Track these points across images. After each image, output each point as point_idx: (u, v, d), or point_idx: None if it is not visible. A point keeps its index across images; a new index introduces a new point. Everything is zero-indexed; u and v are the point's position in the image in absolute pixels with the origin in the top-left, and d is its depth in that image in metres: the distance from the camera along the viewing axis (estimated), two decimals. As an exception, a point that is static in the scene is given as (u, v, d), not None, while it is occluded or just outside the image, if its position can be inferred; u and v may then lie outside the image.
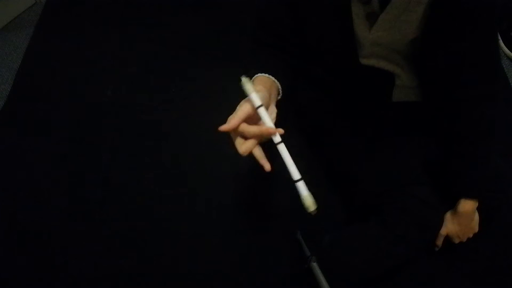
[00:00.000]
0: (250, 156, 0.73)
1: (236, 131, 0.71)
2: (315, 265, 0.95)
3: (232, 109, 0.95)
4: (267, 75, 0.85)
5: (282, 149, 0.75)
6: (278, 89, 0.85)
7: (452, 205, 0.99)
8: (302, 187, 0.75)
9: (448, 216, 1.00)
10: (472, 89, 0.92)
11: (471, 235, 1.02)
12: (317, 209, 0.75)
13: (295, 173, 0.75)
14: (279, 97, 0.86)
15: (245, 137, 0.73)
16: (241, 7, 1.64)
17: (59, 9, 1.72)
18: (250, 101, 0.72)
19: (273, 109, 0.79)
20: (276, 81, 0.84)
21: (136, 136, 1.32)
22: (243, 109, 0.71)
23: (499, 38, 1.62)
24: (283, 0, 0.91)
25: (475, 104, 0.93)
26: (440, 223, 1.00)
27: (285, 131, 0.78)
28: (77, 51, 1.55)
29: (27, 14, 1.74)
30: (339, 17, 0.88)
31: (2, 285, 1.06)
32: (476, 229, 1.02)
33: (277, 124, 0.78)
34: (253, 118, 0.73)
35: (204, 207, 1.17)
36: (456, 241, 1.02)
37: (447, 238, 1.03)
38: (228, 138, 0.74)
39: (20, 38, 1.64)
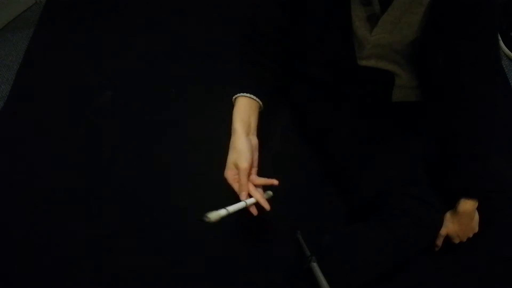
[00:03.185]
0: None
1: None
2: (315, 265, 0.95)
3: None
4: (248, 95, 0.95)
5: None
6: (260, 106, 0.98)
7: (452, 205, 0.99)
8: (222, 213, 0.88)
9: (448, 216, 1.00)
10: (472, 89, 0.92)
11: (471, 235, 1.02)
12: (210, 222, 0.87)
13: (232, 208, 0.89)
14: (261, 110, 0.99)
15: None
16: (242, 6, 1.64)
17: (59, 9, 1.72)
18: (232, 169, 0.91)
19: (255, 140, 0.95)
20: (257, 99, 0.96)
21: (136, 136, 1.32)
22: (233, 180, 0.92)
23: (499, 38, 1.63)
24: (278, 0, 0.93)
25: (475, 104, 0.93)
26: (440, 223, 1.00)
27: (284, 132, 0.81)
28: (77, 51, 1.55)
29: (27, 14, 1.74)
30: (338, 19, 0.88)
31: (1, 284, 1.06)
32: (476, 229, 1.02)
33: (274, 125, 0.82)
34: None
35: (204, 207, 1.17)
36: (456, 241, 1.02)
37: (447, 238, 1.03)
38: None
39: (20, 38, 1.64)
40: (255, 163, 0.93)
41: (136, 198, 1.19)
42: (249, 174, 0.89)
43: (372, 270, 0.98)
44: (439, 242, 1.03)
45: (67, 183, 1.22)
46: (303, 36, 0.98)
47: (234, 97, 0.97)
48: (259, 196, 0.88)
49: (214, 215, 0.86)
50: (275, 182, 0.91)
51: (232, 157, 0.91)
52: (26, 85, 1.47)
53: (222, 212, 0.86)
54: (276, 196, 1.18)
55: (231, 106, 0.98)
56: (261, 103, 0.98)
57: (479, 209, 0.98)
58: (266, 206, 0.88)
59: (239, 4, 1.66)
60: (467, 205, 0.95)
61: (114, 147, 1.29)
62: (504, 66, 1.57)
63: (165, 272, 1.08)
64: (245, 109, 0.95)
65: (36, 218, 1.16)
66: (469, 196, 0.95)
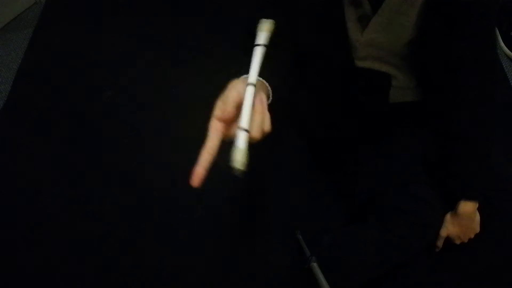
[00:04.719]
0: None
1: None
2: (315, 265, 0.95)
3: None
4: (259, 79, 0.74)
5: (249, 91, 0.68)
6: (268, 92, 0.78)
7: (452, 206, 0.99)
8: (242, 138, 0.65)
9: (448, 217, 0.99)
10: (471, 89, 0.92)
11: (472, 236, 1.02)
12: (243, 171, 0.64)
13: (244, 122, 0.66)
14: (269, 101, 0.78)
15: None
16: (242, 6, 1.64)
17: (59, 9, 1.72)
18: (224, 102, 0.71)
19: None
20: (266, 84, 0.78)
21: (136, 136, 1.32)
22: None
23: (499, 38, 1.62)
24: (272, 4, 0.91)
25: (474, 104, 0.93)
26: (439, 222, 1.00)
27: (283, 132, 0.80)
28: (77, 51, 1.55)
29: (27, 14, 1.74)
30: (331, 20, 0.88)
31: (1, 285, 1.06)
32: (477, 229, 1.01)
33: (274, 126, 0.72)
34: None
35: (204, 207, 1.17)
36: (458, 242, 1.02)
37: (448, 239, 1.02)
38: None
39: (20, 38, 1.64)
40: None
41: (136, 198, 1.19)
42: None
43: (372, 269, 0.98)
44: (440, 243, 1.02)
45: (67, 183, 1.22)
46: (298, 38, 0.98)
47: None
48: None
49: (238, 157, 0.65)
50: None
51: (231, 94, 0.72)
52: (26, 85, 1.47)
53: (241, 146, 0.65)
54: (276, 196, 1.19)
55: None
56: (270, 90, 0.78)
57: (479, 209, 0.98)
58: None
59: (239, 4, 1.66)
60: (468, 207, 0.95)
61: (115, 146, 1.29)
62: (504, 66, 1.57)
63: (165, 272, 1.08)
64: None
65: (36, 218, 1.16)
66: (469, 197, 0.95)
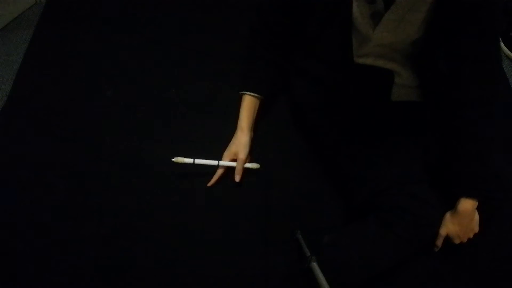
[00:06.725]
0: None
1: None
2: (315, 265, 0.95)
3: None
4: (253, 94, 1.15)
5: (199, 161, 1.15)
6: (262, 100, 1.19)
7: (452, 205, 0.99)
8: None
9: (447, 216, 1.00)
10: (473, 89, 0.92)
11: (471, 235, 1.02)
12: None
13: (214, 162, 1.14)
14: (264, 97, 1.18)
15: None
16: (242, 7, 1.64)
17: (59, 9, 1.72)
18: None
19: (252, 134, 1.18)
20: (261, 96, 1.17)
21: (136, 135, 1.32)
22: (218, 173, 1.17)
23: (499, 38, 1.62)
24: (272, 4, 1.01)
25: (476, 104, 0.93)
26: (439, 221, 1.00)
27: (284, 132, 0.81)
28: (77, 51, 1.55)
29: (27, 14, 1.74)
30: (339, 15, 0.88)
31: (1, 285, 1.06)
32: (477, 229, 1.02)
33: (274, 124, 0.82)
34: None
35: (204, 207, 1.17)
36: (457, 241, 1.02)
37: (448, 239, 1.02)
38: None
39: (20, 38, 1.64)
40: (250, 154, 1.16)
41: (136, 198, 1.19)
42: (244, 162, 1.13)
43: (372, 269, 0.98)
44: (439, 242, 1.02)
45: (67, 183, 1.22)
46: (303, 31, 0.99)
47: (240, 93, 1.17)
48: (240, 171, 1.14)
49: (179, 159, 1.11)
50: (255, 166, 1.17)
51: (233, 148, 1.14)
52: (26, 85, 1.47)
53: (187, 160, 1.12)
54: (276, 195, 1.19)
55: (238, 97, 1.19)
56: (263, 98, 1.18)
57: (479, 209, 0.98)
58: (237, 178, 1.14)
59: (241, 4, 1.66)
60: (467, 205, 0.95)
61: (114, 147, 1.29)
62: (504, 66, 1.58)
63: (165, 272, 1.08)
64: (250, 107, 1.16)
65: (36, 218, 1.16)
66: (469, 195, 0.95)
